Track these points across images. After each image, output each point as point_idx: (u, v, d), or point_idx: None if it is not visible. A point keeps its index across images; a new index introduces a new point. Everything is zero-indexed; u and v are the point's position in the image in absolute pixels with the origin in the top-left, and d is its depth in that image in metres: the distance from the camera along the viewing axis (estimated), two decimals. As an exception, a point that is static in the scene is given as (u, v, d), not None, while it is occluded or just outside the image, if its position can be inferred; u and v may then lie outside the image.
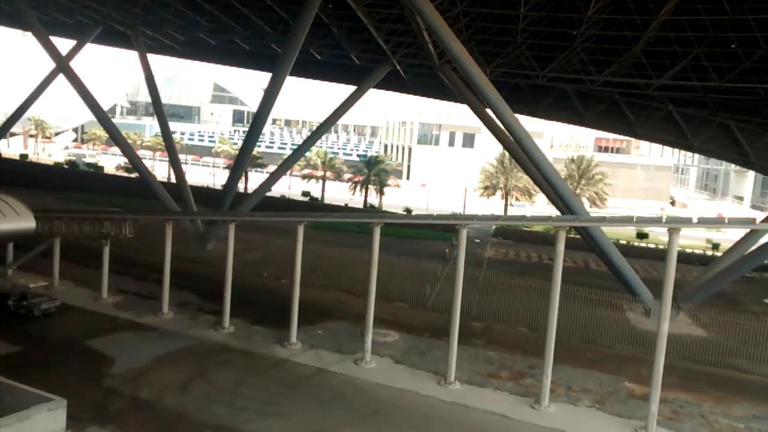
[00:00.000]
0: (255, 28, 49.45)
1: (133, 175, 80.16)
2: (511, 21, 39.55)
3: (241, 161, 50.33)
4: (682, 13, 35.16)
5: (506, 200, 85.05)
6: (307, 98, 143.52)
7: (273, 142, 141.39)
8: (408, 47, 45.80)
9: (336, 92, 70.00)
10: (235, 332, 32.13)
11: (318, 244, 41.70)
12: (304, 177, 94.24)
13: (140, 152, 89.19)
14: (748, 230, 40.81)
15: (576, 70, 43.78)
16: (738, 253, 42.27)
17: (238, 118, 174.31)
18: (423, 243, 57.97)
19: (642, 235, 69.37)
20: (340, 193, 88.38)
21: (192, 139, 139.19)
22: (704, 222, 32.97)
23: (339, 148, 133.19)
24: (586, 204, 74.31)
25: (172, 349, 29.62)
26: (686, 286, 41.00)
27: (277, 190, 68.96)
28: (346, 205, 79.40)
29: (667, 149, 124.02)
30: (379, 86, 53.32)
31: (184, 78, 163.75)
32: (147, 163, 76.93)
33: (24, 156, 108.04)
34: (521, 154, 41.79)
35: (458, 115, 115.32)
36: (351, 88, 53.07)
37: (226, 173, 69.16)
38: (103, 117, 54.33)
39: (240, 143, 79.90)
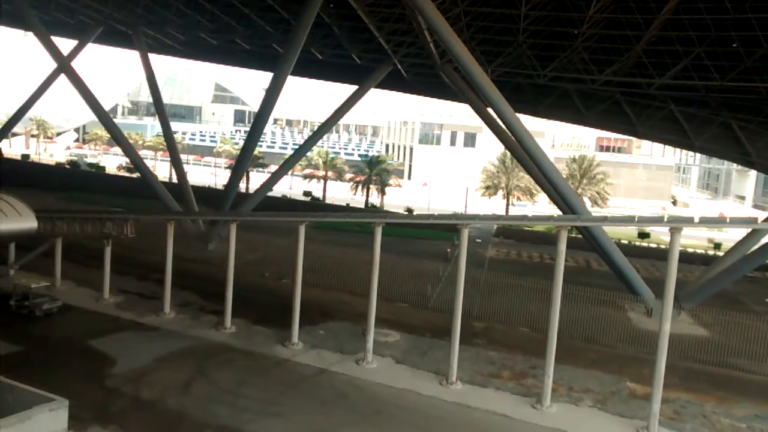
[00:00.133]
0: (256, 27, 49.46)
1: (134, 175, 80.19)
2: (512, 20, 39.51)
3: (243, 161, 50.29)
4: (684, 12, 35.09)
5: (508, 200, 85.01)
6: (309, 98, 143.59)
7: (274, 142, 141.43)
8: (409, 47, 45.79)
9: (337, 92, 69.99)
10: (237, 332, 32.14)
11: (319, 244, 41.70)
12: (305, 177, 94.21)
13: (142, 152, 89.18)
14: (749, 230, 40.67)
15: (577, 70, 43.75)
16: (740, 252, 42.19)
17: (239, 117, 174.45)
18: (424, 243, 57.96)
19: (643, 235, 69.30)
20: (341, 193, 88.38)
21: (193, 139, 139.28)
22: (706, 221, 32.83)
23: (340, 148, 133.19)
24: (588, 203, 74.29)
25: (173, 349, 29.63)
26: (688, 286, 40.94)
27: (279, 190, 68.98)
28: (348, 205, 79.40)
29: (669, 149, 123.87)
30: (380, 86, 53.28)
31: (186, 78, 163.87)
32: (148, 163, 76.97)
33: (26, 156, 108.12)
34: (523, 153, 41.74)
35: (459, 114, 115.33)
36: (352, 88, 53.05)
37: (228, 173, 69.13)
38: (104, 117, 54.29)
39: (241, 143, 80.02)
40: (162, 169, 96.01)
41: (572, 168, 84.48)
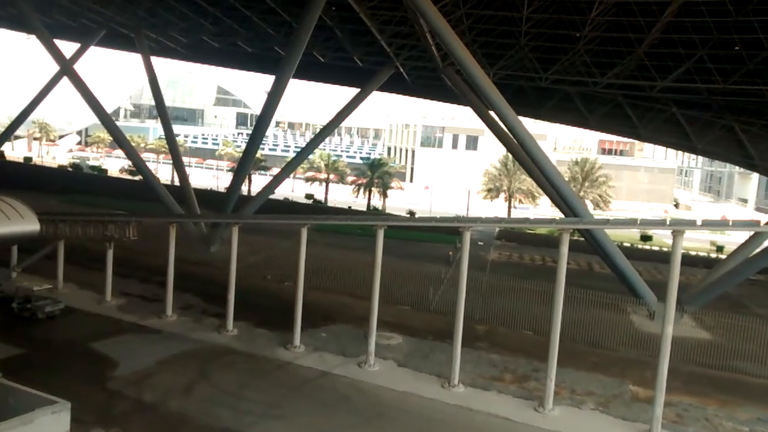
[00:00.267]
0: (258, 30, 49.55)
1: (136, 178, 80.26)
2: (514, 23, 39.56)
3: (245, 164, 50.39)
4: (686, 15, 35.11)
5: (510, 203, 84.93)
6: (311, 101, 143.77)
7: (276, 145, 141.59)
8: (411, 50, 45.84)
9: (339, 95, 70.07)
10: (239, 335, 32.15)
11: (321, 247, 41.65)
12: (307, 180, 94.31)
13: (144, 155, 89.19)
14: (752, 233, 40.72)
15: (579, 72, 43.75)
16: (742, 255, 42.16)
17: (241, 120, 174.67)
18: (426, 246, 57.93)
19: (646, 238, 69.15)
20: (343, 196, 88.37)
21: (195, 142, 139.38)
22: (708, 224, 32.86)
23: (342, 151, 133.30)
24: (590, 206, 74.21)
25: (175, 351, 29.64)
26: (690, 289, 40.89)
27: (281, 192, 69.08)
28: (350, 207, 79.34)
29: (671, 151, 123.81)
30: (382, 89, 53.39)
31: (188, 81, 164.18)
32: (151, 165, 76.97)
33: (28, 159, 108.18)
34: (524, 156, 41.75)
35: (461, 117, 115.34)
36: (354, 91, 53.11)
37: (230, 176, 69.19)
38: (106, 120, 54.44)
39: (243, 146, 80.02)
40: (164, 172, 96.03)
41: (574, 171, 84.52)
